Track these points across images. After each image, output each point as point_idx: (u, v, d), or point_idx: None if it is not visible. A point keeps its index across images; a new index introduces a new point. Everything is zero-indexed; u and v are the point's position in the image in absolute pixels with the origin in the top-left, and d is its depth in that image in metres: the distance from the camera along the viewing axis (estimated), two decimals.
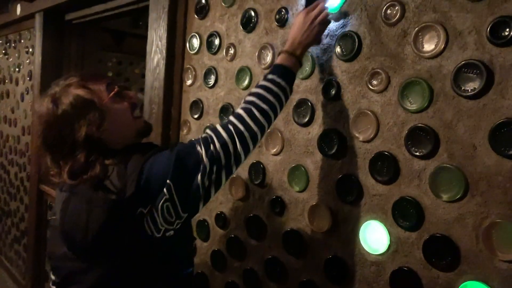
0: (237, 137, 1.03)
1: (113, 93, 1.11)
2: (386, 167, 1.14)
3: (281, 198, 1.43)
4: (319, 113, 1.31)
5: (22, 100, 3.30)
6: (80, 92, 1.07)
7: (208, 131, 1.07)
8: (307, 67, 1.33)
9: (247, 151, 1.06)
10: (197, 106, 1.76)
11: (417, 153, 1.07)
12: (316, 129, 1.32)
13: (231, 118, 1.07)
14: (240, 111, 1.08)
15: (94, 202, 0.99)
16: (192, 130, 1.80)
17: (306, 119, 1.34)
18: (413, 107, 1.08)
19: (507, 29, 0.93)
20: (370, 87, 1.17)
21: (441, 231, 1.03)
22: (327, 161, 1.29)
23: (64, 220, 1.05)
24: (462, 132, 1.00)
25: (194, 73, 1.78)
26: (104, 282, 1.03)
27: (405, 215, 1.10)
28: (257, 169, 1.50)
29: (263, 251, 1.50)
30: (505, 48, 0.94)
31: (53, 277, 1.16)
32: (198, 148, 1.02)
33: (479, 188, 0.97)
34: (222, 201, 1.66)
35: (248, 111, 1.07)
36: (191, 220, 1.16)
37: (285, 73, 1.14)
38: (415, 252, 1.08)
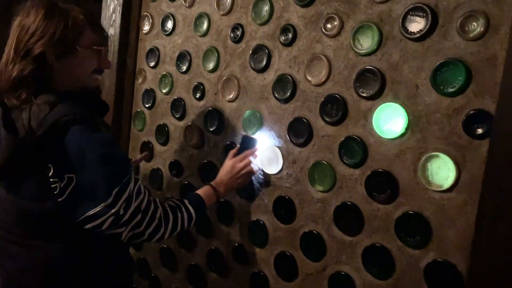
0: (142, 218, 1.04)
1: (96, 47, 1.08)
2: (335, 109, 1.19)
3: (235, 144, 1.45)
4: (275, 59, 1.34)
5: None
6: (75, 14, 1.03)
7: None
8: (264, 12, 1.35)
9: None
10: (153, 54, 1.74)
11: (364, 94, 1.13)
12: (271, 75, 1.35)
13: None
14: (160, 210, 1.10)
15: (1, 136, 0.99)
16: (148, 79, 1.78)
17: (263, 65, 1.36)
18: (363, 50, 1.13)
19: None
20: (325, 31, 1.21)
21: (383, 166, 1.10)
22: (281, 105, 1.32)
23: None
24: (407, 72, 1.06)
25: (151, 20, 1.75)
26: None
27: (350, 153, 1.16)
28: (213, 116, 1.52)
29: None
30: None
31: None
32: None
33: (419, 125, 1.04)
34: (177, 149, 1.66)
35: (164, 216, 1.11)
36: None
37: (199, 205, 1.22)
38: (358, 188, 1.15)
